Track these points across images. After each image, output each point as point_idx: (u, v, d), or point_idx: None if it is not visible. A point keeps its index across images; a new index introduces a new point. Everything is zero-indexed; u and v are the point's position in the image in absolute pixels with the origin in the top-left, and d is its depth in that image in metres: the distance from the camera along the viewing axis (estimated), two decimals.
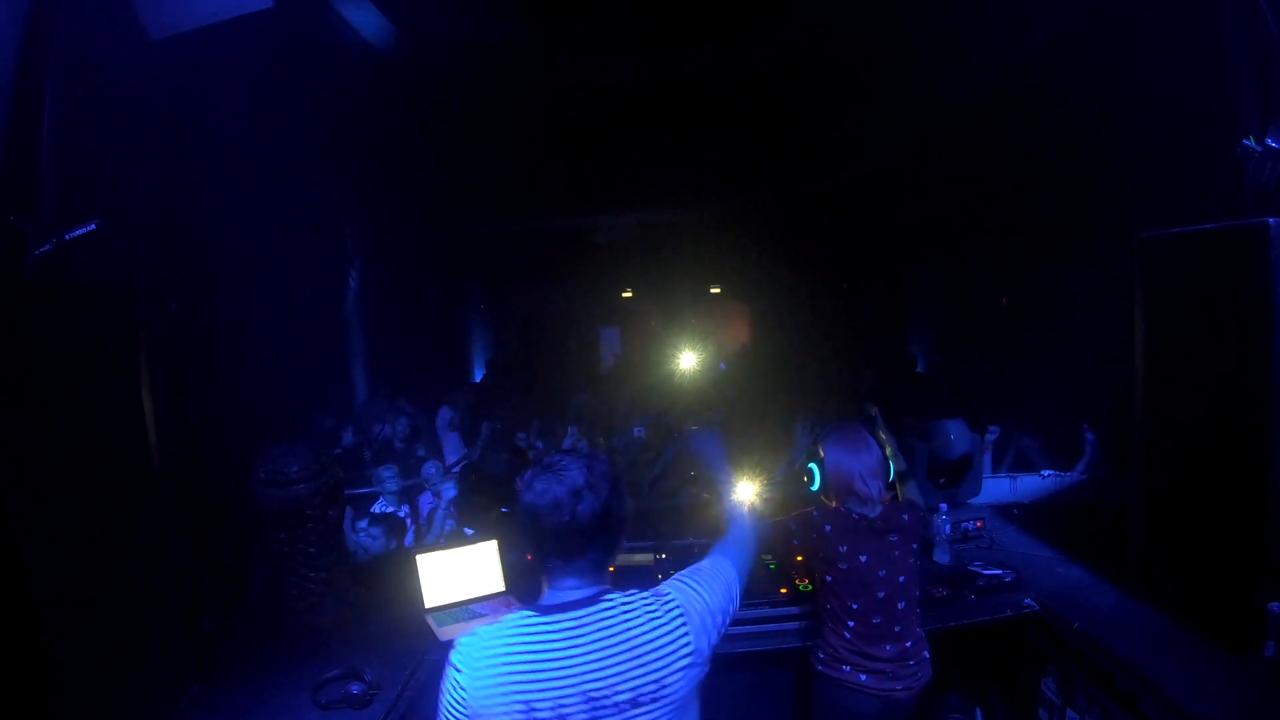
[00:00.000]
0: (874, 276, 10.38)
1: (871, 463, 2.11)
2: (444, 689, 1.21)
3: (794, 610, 2.45)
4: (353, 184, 6.95)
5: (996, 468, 4.41)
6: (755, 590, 2.33)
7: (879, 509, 2.11)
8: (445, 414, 6.22)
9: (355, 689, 1.93)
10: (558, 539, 1.24)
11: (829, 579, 2.10)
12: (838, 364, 8.92)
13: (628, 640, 1.21)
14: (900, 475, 2.39)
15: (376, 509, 4.15)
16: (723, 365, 9.90)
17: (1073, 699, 2.25)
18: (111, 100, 2.96)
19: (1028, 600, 2.42)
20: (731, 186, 9.34)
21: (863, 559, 2.05)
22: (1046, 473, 3.53)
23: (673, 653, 1.23)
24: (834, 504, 2.15)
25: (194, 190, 4.26)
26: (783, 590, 2.52)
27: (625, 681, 1.19)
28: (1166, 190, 4.24)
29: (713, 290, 12.04)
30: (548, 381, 9.13)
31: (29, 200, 2.04)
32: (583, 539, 1.24)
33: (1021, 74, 4.75)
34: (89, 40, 2.55)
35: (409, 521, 4.16)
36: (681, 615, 1.27)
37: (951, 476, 3.29)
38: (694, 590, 1.32)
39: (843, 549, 2.06)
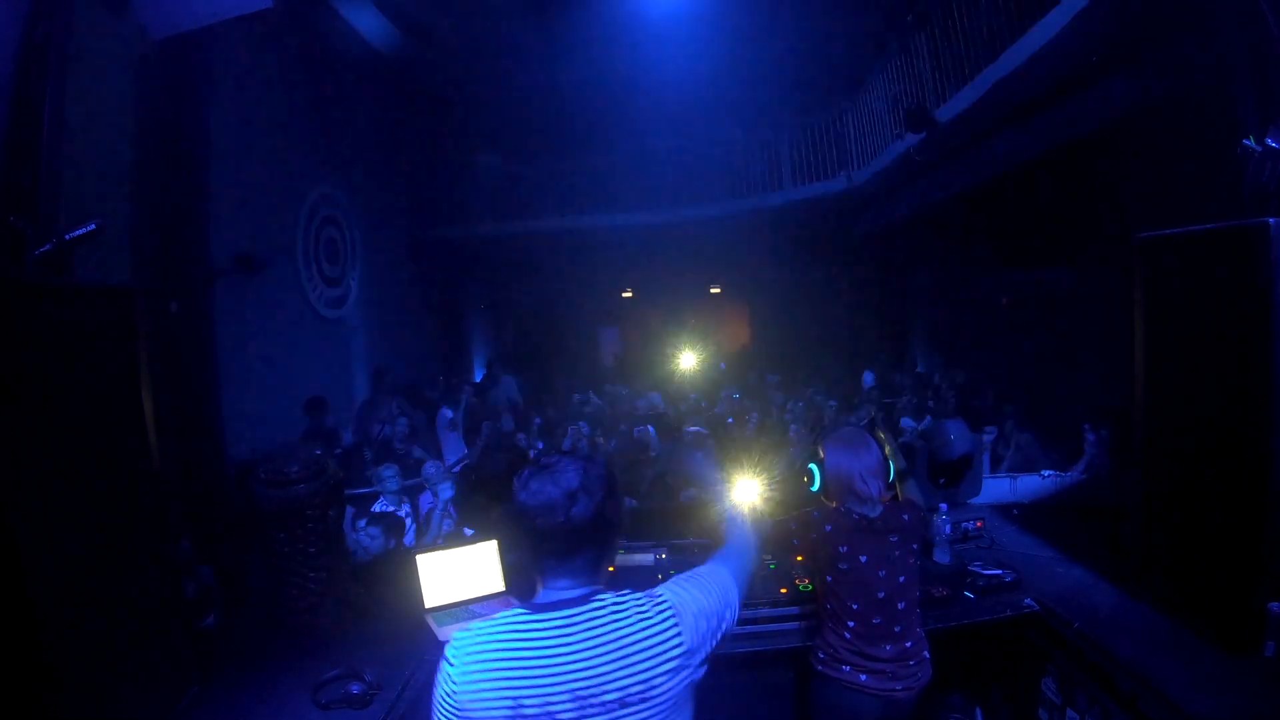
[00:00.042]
0: (874, 277, 10.38)
1: (871, 463, 2.11)
2: (437, 682, 1.22)
3: (794, 610, 2.45)
4: (353, 184, 6.95)
5: (995, 468, 4.42)
6: (755, 590, 2.33)
7: (879, 509, 2.11)
8: (445, 414, 6.23)
9: (355, 689, 1.93)
10: (551, 540, 1.24)
11: (829, 579, 2.10)
12: (837, 364, 8.92)
13: (616, 640, 1.21)
14: (900, 474, 2.38)
15: (377, 508, 4.15)
16: (723, 365, 9.90)
17: (1073, 699, 2.25)
18: (111, 100, 2.96)
19: (1028, 600, 2.42)
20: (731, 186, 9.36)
21: (863, 559, 2.05)
22: (1046, 473, 3.53)
23: (662, 653, 1.22)
24: (834, 504, 2.16)
25: (194, 190, 4.26)
26: (783, 590, 2.52)
27: (613, 681, 1.18)
28: (1166, 190, 4.25)
29: (713, 290, 12.04)
30: (548, 382, 9.14)
31: (29, 200, 2.04)
32: (576, 541, 1.24)
33: (1022, 74, 4.75)
34: (89, 40, 2.55)
35: (409, 521, 4.16)
36: (673, 615, 1.26)
37: (951, 476, 3.29)
38: (688, 592, 1.32)
39: (843, 549, 2.06)
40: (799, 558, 2.57)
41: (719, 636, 1.33)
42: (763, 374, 8.65)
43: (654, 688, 1.20)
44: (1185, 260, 2.17)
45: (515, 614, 1.25)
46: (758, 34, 7.45)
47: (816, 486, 2.21)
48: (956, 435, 3.21)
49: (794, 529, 2.17)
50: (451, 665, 1.20)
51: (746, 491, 2.33)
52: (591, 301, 11.80)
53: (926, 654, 2.12)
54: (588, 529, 1.23)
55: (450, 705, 1.18)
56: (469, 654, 1.20)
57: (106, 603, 1.77)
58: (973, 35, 5.46)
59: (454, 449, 6.01)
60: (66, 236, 2.05)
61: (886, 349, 9.59)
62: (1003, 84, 4.98)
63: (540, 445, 5.85)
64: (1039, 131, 5.47)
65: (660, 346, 9.66)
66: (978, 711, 2.67)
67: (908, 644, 2.07)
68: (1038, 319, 7.10)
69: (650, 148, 9.35)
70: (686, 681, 1.25)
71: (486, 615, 1.27)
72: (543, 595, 1.27)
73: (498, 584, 2.56)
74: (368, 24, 6.73)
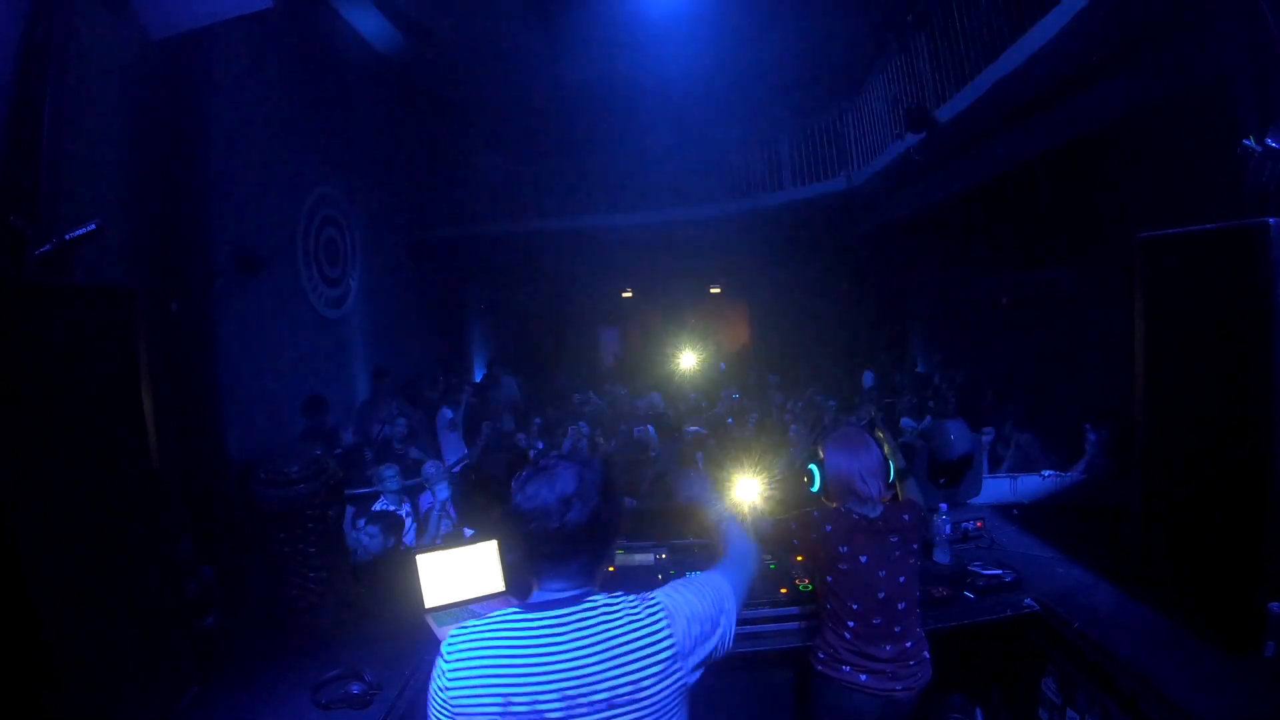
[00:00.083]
0: (874, 276, 10.38)
1: (871, 463, 2.11)
2: (432, 677, 1.23)
3: (794, 610, 2.45)
4: (353, 184, 6.95)
5: (994, 469, 4.41)
6: (755, 590, 2.32)
7: (879, 509, 2.11)
8: (445, 414, 6.23)
9: (355, 689, 1.94)
10: (545, 544, 1.24)
11: (829, 579, 2.10)
12: (837, 364, 8.92)
13: (606, 640, 1.21)
14: (900, 473, 2.38)
15: (377, 508, 4.15)
16: (723, 365, 9.90)
17: (1073, 699, 2.25)
18: (111, 101, 2.96)
19: (1028, 600, 2.42)
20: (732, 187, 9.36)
21: (863, 559, 2.05)
22: (1046, 473, 3.53)
23: (650, 654, 1.22)
24: (834, 504, 2.16)
25: (194, 190, 4.27)
26: (783, 590, 2.52)
27: (601, 681, 1.19)
28: (1166, 190, 4.24)
29: (713, 290, 12.05)
30: (548, 382, 9.14)
31: (29, 200, 2.04)
32: (570, 545, 1.24)
33: (1022, 74, 4.75)
34: (89, 40, 2.55)
35: (410, 520, 4.16)
36: (665, 617, 1.26)
37: (951, 476, 3.29)
38: (681, 595, 1.32)
39: (843, 549, 2.06)
40: (799, 558, 2.57)
41: (715, 643, 1.32)
42: (763, 374, 8.65)
43: (642, 689, 1.20)
44: (1185, 260, 2.17)
45: (508, 613, 1.26)
46: (758, 34, 7.45)
47: (816, 487, 2.21)
48: (956, 435, 3.21)
49: (794, 529, 2.17)
50: (445, 662, 1.21)
51: (746, 491, 2.33)
52: (591, 301, 11.80)
53: (926, 654, 2.12)
54: (581, 535, 1.24)
55: (442, 701, 1.20)
56: (462, 651, 1.21)
57: (106, 603, 1.77)
58: (972, 35, 5.46)
59: (454, 449, 6.02)
60: (66, 236, 2.05)
61: (886, 349, 9.58)
62: (1002, 84, 4.98)
63: (540, 445, 5.85)
64: (1039, 132, 5.47)
65: (660, 346, 9.67)
66: (978, 711, 2.67)
67: (908, 644, 2.07)
68: (1038, 319, 7.10)
69: (650, 147, 9.35)
70: (678, 684, 1.25)
71: (486, 615, 1.28)
72: (536, 595, 1.28)
73: (498, 584, 2.56)
74: (368, 24, 6.74)
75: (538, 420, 6.60)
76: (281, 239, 5.71)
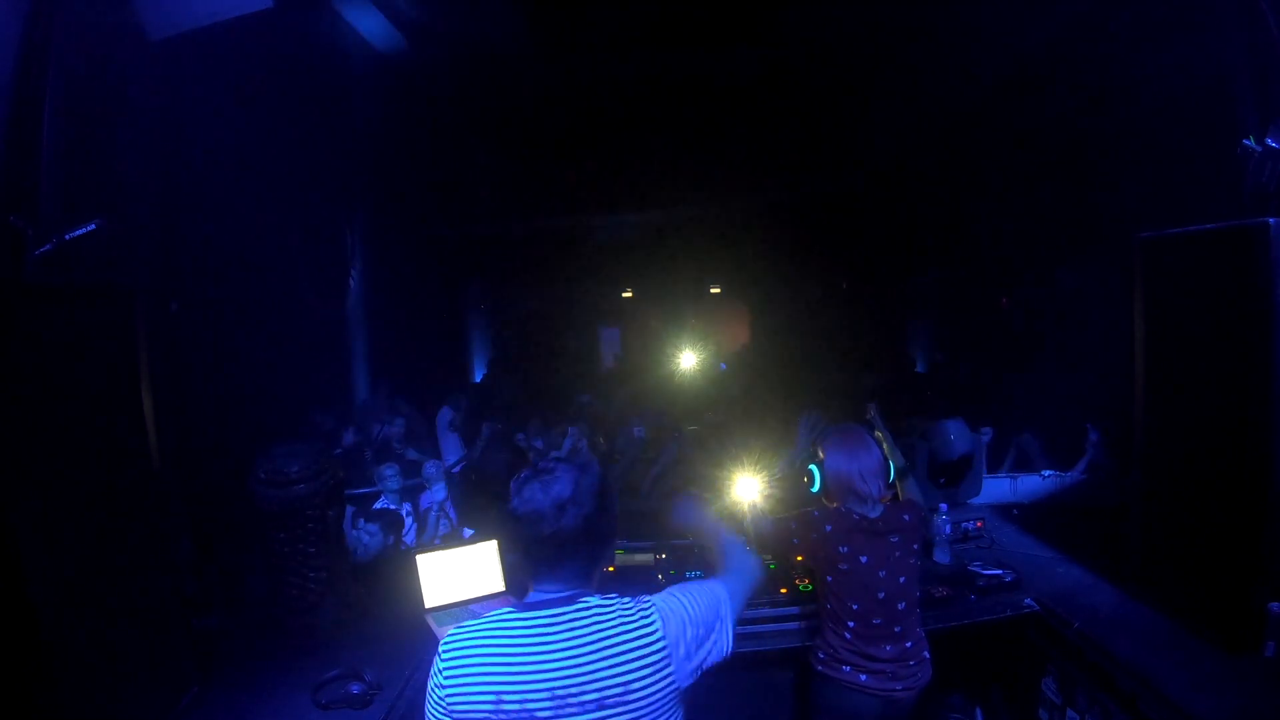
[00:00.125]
0: (874, 276, 10.37)
1: (871, 463, 2.11)
2: (430, 675, 1.24)
3: (794, 610, 2.45)
4: (353, 184, 6.95)
5: (994, 469, 4.41)
6: (755, 591, 2.33)
7: (879, 509, 2.11)
8: (445, 414, 6.23)
9: (355, 689, 1.94)
10: (540, 547, 1.25)
11: (829, 579, 2.10)
12: (837, 364, 8.92)
13: (596, 641, 1.22)
14: (900, 472, 2.39)
15: (378, 508, 4.15)
16: (723, 365, 9.89)
17: (1073, 699, 2.25)
18: (111, 100, 2.96)
19: (1028, 600, 2.42)
20: (732, 187, 9.34)
21: (863, 560, 2.05)
22: (1046, 473, 3.53)
23: (641, 656, 1.23)
24: (834, 504, 2.15)
25: (194, 190, 4.26)
26: (783, 590, 2.52)
27: (591, 681, 1.19)
28: (1166, 190, 4.24)
29: (713, 290, 12.03)
30: (548, 381, 9.13)
31: (29, 200, 2.04)
32: (564, 550, 1.25)
33: (1022, 75, 4.75)
34: (89, 40, 2.55)
35: (410, 520, 4.16)
36: (657, 619, 1.27)
37: (951, 476, 3.29)
38: (676, 599, 1.32)
39: (843, 549, 2.06)
40: (799, 558, 2.56)
41: (710, 649, 1.32)
42: (763, 374, 8.64)
43: (632, 689, 1.20)
44: (1185, 260, 2.17)
45: (503, 613, 1.27)
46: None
47: (816, 487, 2.21)
48: (956, 435, 3.21)
49: (794, 529, 2.17)
50: (441, 661, 1.22)
51: (746, 491, 2.33)
52: (591, 301, 11.80)
53: (926, 654, 2.12)
54: (577, 539, 1.24)
55: (437, 699, 1.21)
56: (456, 650, 1.22)
57: (106, 603, 1.77)
58: None
59: (454, 449, 6.01)
60: (66, 236, 2.05)
61: (886, 349, 9.58)
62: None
63: (539, 444, 5.84)
64: (1039, 131, 5.47)
65: (660, 346, 9.66)
66: (978, 711, 2.67)
67: (908, 644, 2.07)
68: (1038, 319, 7.09)
69: (650, 147, 9.33)
70: (670, 687, 1.25)
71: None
72: (531, 596, 1.29)
73: (497, 584, 2.57)
74: (368, 24, 6.72)
75: (537, 420, 6.60)
76: (282, 238, 5.71)
